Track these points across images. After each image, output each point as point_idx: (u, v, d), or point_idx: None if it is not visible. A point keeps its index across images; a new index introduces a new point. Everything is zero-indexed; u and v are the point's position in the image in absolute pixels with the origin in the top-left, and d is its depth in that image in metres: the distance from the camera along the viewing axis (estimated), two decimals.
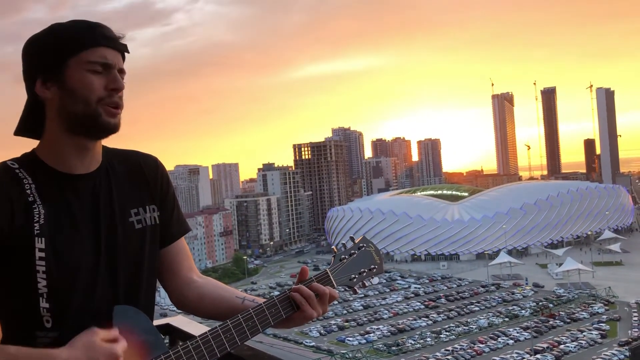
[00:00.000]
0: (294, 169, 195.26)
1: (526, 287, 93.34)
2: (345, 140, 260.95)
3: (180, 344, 1.36)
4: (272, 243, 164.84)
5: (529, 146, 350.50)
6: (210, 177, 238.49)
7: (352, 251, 1.71)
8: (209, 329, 1.42)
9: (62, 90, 1.36)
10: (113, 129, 1.39)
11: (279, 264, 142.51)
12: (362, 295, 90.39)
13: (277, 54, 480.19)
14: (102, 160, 1.48)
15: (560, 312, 77.73)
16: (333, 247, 1.71)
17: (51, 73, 1.36)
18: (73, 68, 1.35)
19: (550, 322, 74.01)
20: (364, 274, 1.71)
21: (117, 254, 1.41)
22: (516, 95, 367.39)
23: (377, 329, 75.58)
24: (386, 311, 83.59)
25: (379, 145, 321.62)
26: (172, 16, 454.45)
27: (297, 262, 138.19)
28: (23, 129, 1.46)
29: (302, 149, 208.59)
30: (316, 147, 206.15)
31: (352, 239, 1.74)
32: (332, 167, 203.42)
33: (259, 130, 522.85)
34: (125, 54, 1.44)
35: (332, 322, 78.77)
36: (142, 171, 1.55)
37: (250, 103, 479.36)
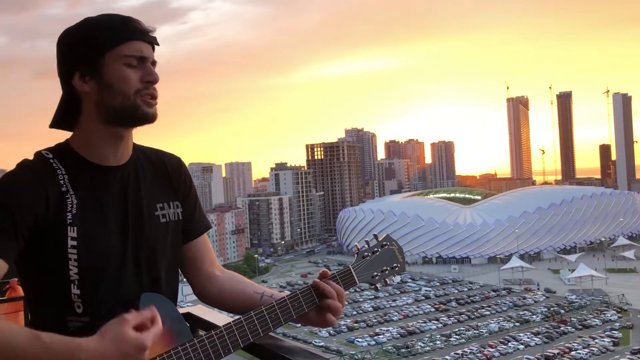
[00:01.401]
0: (306, 169, 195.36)
1: (538, 293, 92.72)
2: (358, 141, 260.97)
3: (204, 333, 1.39)
4: (283, 242, 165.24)
5: (543, 150, 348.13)
6: (223, 175, 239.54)
7: (375, 249, 1.74)
8: (233, 319, 1.45)
9: (99, 85, 1.39)
10: (151, 118, 1.44)
11: (289, 263, 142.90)
12: (372, 296, 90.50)
13: (292, 54, 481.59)
14: (132, 154, 1.52)
15: (572, 319, 77.18)
16: (356, 244, 1.74)
17: (89, 67, 1.38)
18: (110, 62, 1.38)
19: (562, 328, 73.53)
20: (386, 272, 1.74)
21: (143, 245, 1.46)
22: (531, 99, 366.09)
23: (387, 330, 75.59)
24: (396, 313, 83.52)
25: (392, 147, 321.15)
26: (188, 15, 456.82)
27: (308, 261, 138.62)
28: (58, 122, 1.48)
29: (315, 149, 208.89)
30: (329, 148, 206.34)
31: (375, 237, 1.78)
32: (344, 168, 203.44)
33: (272, 130, 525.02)
34: (155, 46, 1.48)
35: (342, 322, 78.75)
36: (167, 169, 1.60)
37: (264, 102, 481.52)
